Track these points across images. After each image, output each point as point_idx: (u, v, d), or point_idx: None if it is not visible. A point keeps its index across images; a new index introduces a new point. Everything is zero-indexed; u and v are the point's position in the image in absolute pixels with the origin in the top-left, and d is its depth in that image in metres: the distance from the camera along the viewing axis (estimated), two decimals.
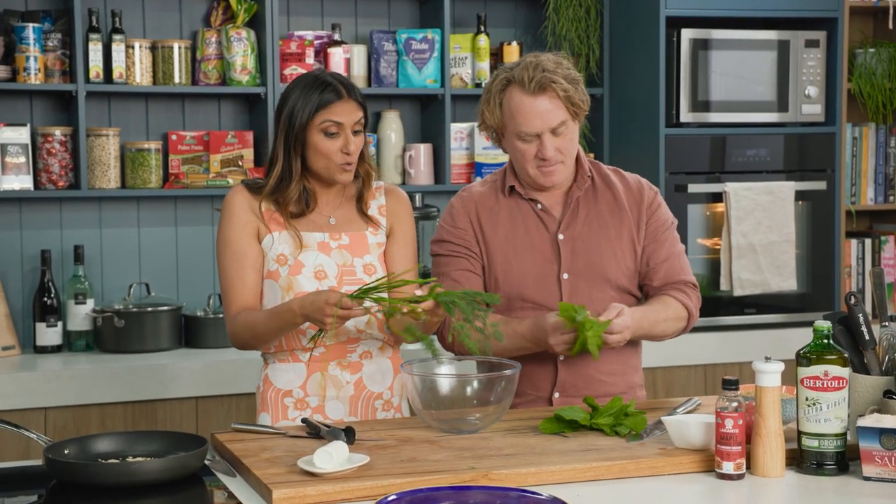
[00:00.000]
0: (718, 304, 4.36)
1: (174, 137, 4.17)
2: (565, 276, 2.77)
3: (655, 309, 2.77)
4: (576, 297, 2.76)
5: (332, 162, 2.67)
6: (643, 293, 2.87)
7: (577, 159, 2.83)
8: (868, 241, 4.71)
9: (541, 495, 2.04)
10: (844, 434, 2.24)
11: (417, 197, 4.34)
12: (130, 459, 2.25)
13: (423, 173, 4.38)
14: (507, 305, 2.80)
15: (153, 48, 4.11)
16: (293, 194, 2.69)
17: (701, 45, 4.31)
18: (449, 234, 2.85)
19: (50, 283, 3.99)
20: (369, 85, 4.35)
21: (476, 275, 2.82)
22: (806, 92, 4.44)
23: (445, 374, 2.56)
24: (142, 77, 4.08)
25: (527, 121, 2.71)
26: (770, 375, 2.22)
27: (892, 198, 4.73)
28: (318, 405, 2.71)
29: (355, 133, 2.67)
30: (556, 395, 2.80)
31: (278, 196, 2.70)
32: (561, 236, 2.80)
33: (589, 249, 2.79)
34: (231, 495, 2.15)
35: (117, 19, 4.05)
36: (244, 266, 2.69)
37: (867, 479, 2.19)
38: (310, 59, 4.21)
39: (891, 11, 4.65)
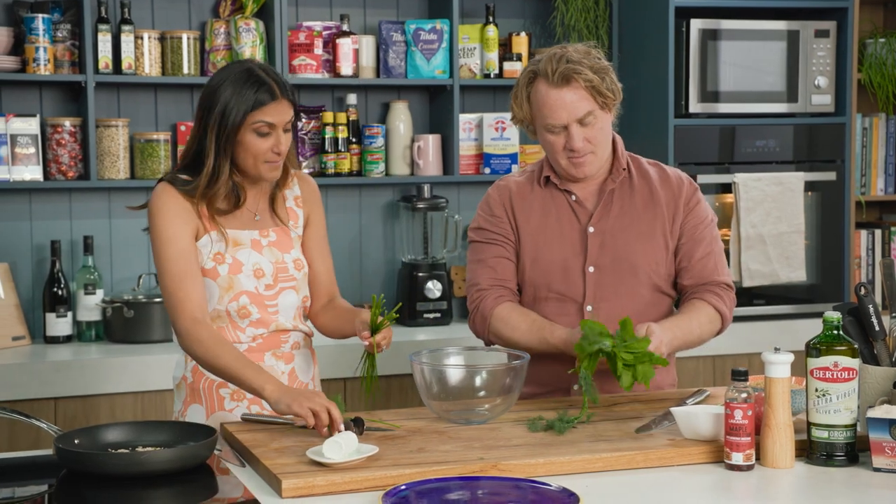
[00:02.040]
0: None
1: (183, 128, 4.17)
2: (591, 269, 2.77)
3: (689, 318, 2.75)
4: (600, 290, 2.76)
5: (259, 161, 2.60)
6: (677, 290, 2.86)
7: (615, 151, 2.82)
8: (878, 232, 4.70)
9: (550, 486, 2.04)
10: (854, 425, 2.24)
11: (426, 188, 4.34)
12: (140, 449, 2.26)
13: (431, 164, 4.37)
14: (533, 295, 2.80)
15: (162, 39, 4.12)
16: (222, 192, 2.62)
17: (710, 36, 4.30)
18: (486, 221, 2.86)
19: (60, 274, 4.00)
20: (378, 75, 4.35)
21: (510, 261, 2.83)
22: (816, 82, 4.43)
23: (454, 364, 2.57)
24: (151, 68, 4.08)
25: (552, 112, 2.70)
26: (780, 366, 2.22)
27: None
28: (254, 397, 2.61)
29: (285, 131, 2.61)
30: (576, 387, 2.79)
31: (209, 194, 2.61)
32: (591, 229, 2.79)
33: (618, 244, 2.78)
34: (240, 485, 2.16)
35: (126, 10, 4.05)
36: (191, 263, 2.59)
37: (877, 470, 2.19)
38: (318, 49, 4.21)
39: None
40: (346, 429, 2.32)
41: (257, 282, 2.65)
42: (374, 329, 2.54)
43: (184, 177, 2.64)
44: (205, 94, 2.62)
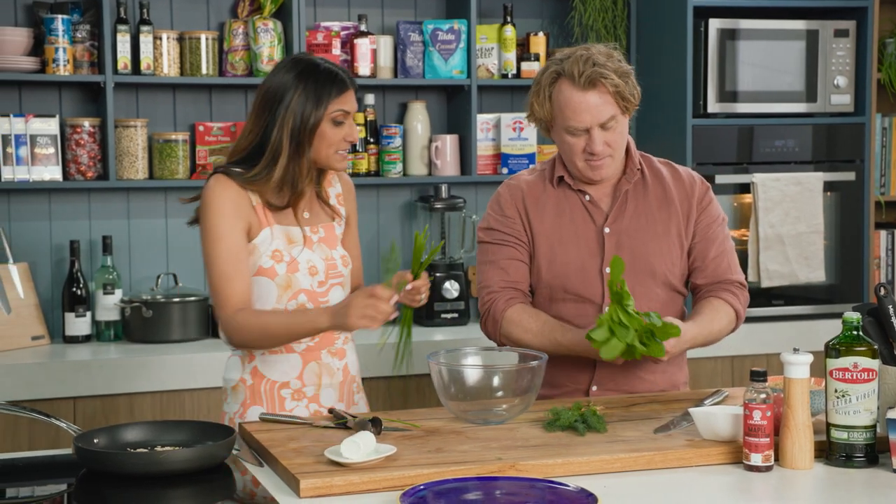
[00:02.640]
0: None
1: (201, 128, 4.18)
2: (608, 269, 2.76)
3: (708, 318, 2.75)
4: None
5: (332, 151, 2.65)
6: (689, 290, 2.86)
7: (627, 152, 2.81)
8: None
9: (568, 486, 2.04)
10: (874, 426, 2.23)
11: (444, 188, 4.34)
12: (159, 449, 2.26)
13: (449, 164, 4.37)
14: (548, 296, 2.79)
15: (181, 39, 4.13)
16: (304, 182, 2.65)
17: (729, 35, 4.29)
18: (497, 222, 2.83)
19: (79, 274, 4.01)
20: (396, 76, 4.35)
21: (524, 263, 2.81)
22: (835, 82, 4.41)
23: (472, 364, 2.57)
24: (169, 68, 4.09)
25: (576, 115, 2.68)
26: (799, 367, 2.21)
27: None
28: (314, 394, 2.71)
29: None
30: (594, 387, 2.79)
31: (281, 189, 2.64)
32: (607, 230, 2.78)
33: (634, 244, 2.77)
34: (258, 485, 2.16)
35: (145, 10, 4.06)
36: (240, 261, 2.62)
37: None
38: (336, 49, 4.21)
39: None
40: (364, 429, 2.33)
41: (312, 279, 2.68)
42: (417, 271, 2.54)
43: (238, 169, 2.65)
44: (269, 90, 2.63)
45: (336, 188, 2.80)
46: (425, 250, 2.53)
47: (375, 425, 2.37)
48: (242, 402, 2.71)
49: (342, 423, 2.44)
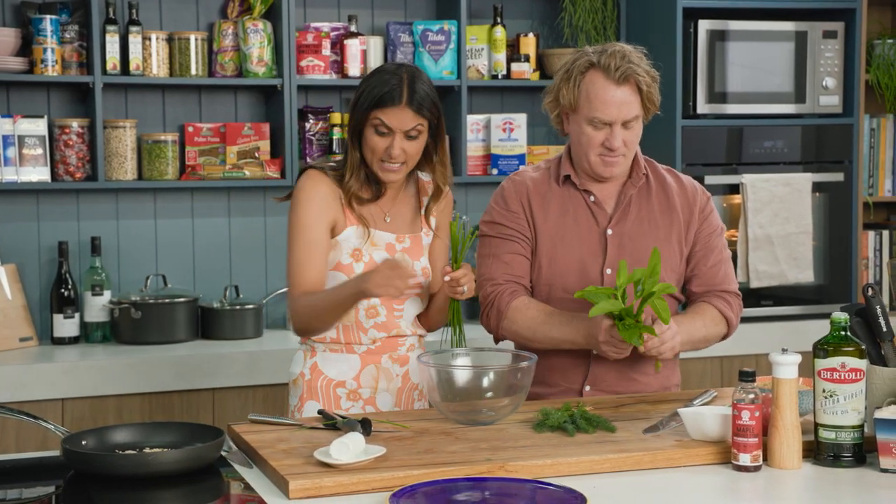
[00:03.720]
0: None
1: (191, 129, 4.18)
2: (608, 271, 2.76)
3: (694, 318, 2.77)
4: None
5: (375, 159, 2.68)
6: (685, 296, 2.87)
7: (634, 156, 2.83)
8: (885, 233, 4.69)
9: (557, 487, 2.04)
10: (861, 426, 2.24)
11: None
12: (147, 450, 2.26)
13: None
14: (548, 294, 2.80)
15: (170, 40, 4.12)
16: (356, 180, 2.70)
17: (718, 37, 4.30)
18: (501, 216, 2.84)
19: (67, 275, 4.00)
20: None
21: (526, 259, 2.82)
22: (823, 83, 4.42)
23: (462, 365, 2.57)
24: (158, 69, 4.09)
25: (604, 107, 2.69)
26: (787, 367, 2.22)
27: None
28: (370, 396, 2.74)
29: (411, 138, 2.67)
30: (587, 388, 2.79)
31: (348, 180, 2.70)
32: (610, 231, 2.78)
33: (636, 248, 2.77)
34: (247, 486, 2.16)
35: (134, 11, 4.06)
36: (316, 253, 2.69)
37: (884, 471, 2.19)
38: (326, 50, 4.21)
39: None
40: (353, 430, 2.32)
41: None
42: (456, 259, 2.60)
43: (332, 164, 2.75)
44: (357, 89, 2.72)
45: (440, 203, 2.83)
46: (460, 241, 2.58)
47: (365, 427, 2.37)
48: (301, 395, 2.76)
49: (331, 425, 2.43)
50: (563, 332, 2.70)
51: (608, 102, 2.69)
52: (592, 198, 2.81)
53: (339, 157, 2.78)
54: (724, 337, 2.85)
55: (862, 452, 2.24)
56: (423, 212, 2.79)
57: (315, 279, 2.68)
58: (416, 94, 2.65)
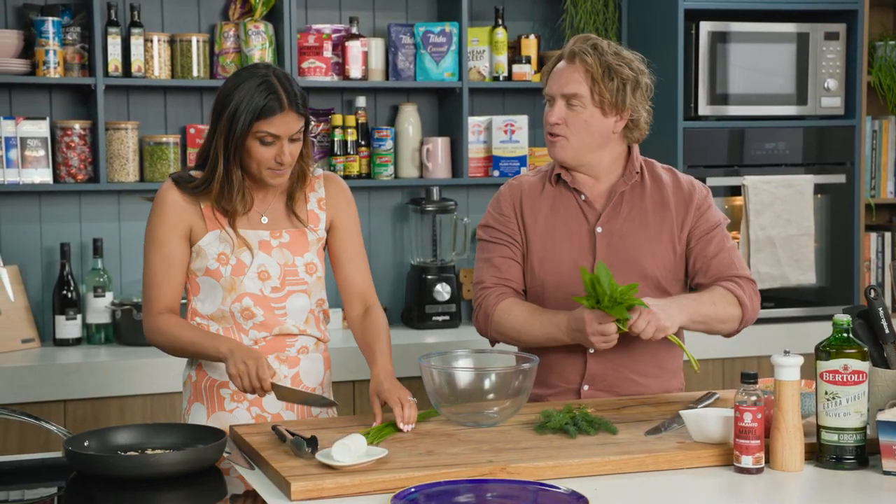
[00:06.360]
0: None
1: (192, 131, 4.18)
2: None
3: (698, 296, 2.74)
4: None
5: (263, 168, 2.59)
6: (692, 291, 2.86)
7: (629, 155, 2.82)
8: (888, 235, 4.69)
9: (559, 489, 2.04)
10: (864, 428, 2.23)
11: (435, 190, 4.34)
12: (149, 452, 2.26)
13: (440, 167, 4.37)
14: (541, 294, 2.80)
15: (171, 42, 4.12)
16: (238, 196, 2.61)
17: (720, 38, 4.30)
18: (494, 220, 2.86)
19: (69, 276, 4.00)
20: (387, 78, 4.35)
21: (517, 262, 2.83)
22: (825, 85, 4.42)
23: (463, 367, 2.57)
24: (160, 70, 4.09)
25: (548, 82, 2.77)
26: (789, 369, 2.21)
27: None
28: (256, 398, 2.64)
29: (293, 141, 2.59)
30: (586, 387, 2.79)
31: (222, 198, 2.61)
32: (599, 229, 2.79)
33: (627, 245, 2.77)
34: (249, 488, 2.16)
35: (136, 13, 4.06)
36: (172, 266, 2.64)
37: (887, 473, 2.19)
38: (327, 52, 4.21)
39: None
40: (300, 448, 2.23)
41: (262, 284, 2.64)
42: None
43: (194, 174, 2.65)
44: (218, 97, 2.61)
45: (319, 193, 2.74)
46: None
47: (311, 445, 2.23)
48: (188, 398, 2.71)
49: (282, 440, 2.32)
50: (545, 330, 2.70)
51: (553, 76, 2.77)
52: (583, 196, 2.81)
53: (197, 172, 2.65)
54: (742, 322, 2.78)
55: (864, 455, 2.24)
56: (288, 201, 2.69)
57: (170, 297, 2.64)
58: (292, 94, 2.56)
